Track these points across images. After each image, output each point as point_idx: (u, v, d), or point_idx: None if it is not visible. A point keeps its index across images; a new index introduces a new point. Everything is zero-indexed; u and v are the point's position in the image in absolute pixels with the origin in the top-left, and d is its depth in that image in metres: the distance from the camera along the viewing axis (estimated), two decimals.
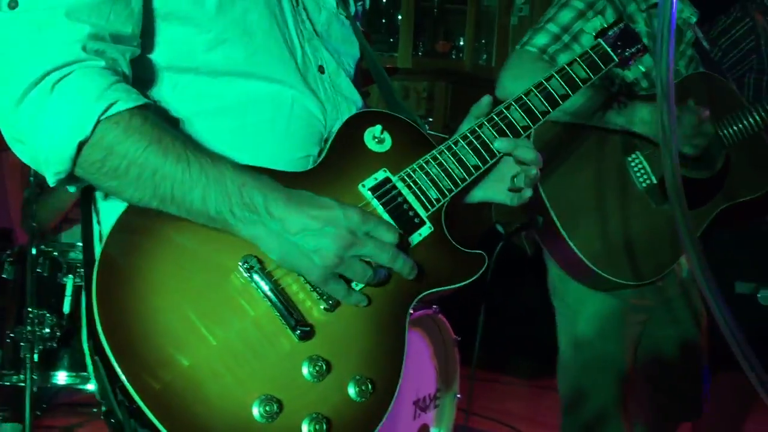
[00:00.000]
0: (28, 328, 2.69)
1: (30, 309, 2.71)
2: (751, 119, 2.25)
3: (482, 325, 1.97)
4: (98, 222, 1.22)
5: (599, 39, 1.53)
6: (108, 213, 1.17)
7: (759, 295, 2.26)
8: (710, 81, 2.33)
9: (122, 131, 1.03)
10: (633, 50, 1.55)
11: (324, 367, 1.09)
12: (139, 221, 1.09)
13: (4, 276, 2.95)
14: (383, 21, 5.14)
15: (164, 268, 1.07)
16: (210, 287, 1.08)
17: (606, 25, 1.55)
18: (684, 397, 2.40)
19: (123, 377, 0.99)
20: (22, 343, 2.69)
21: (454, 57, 5.10)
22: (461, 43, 5.05)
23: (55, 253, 2.92)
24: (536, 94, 1.42)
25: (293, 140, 1.25)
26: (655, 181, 2.14)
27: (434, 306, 2.63)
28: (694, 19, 2.33)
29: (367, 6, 1.61)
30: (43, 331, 2.75)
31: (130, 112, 1.04)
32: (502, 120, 1.38)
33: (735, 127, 2.26)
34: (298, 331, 1.09)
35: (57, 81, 1.02)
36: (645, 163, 2.15)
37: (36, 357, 2.70)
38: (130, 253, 1.07)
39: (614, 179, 2.14)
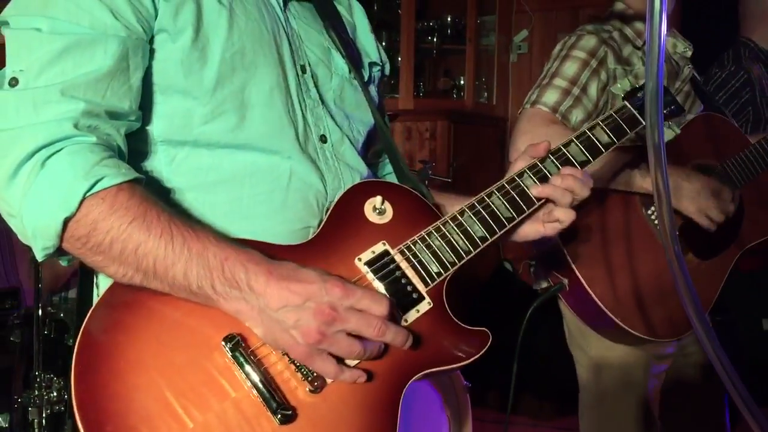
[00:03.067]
0: (36, 392, 2.68)
1: (37, 372, 2.70)
2: (759, 159, 2.23)
3: (515, 372, 1.93)
4: (96, 286, 1.22)
5: (626, 101, 1.47)
6: (106, 281, 1.16)
7: None
8: (713, 121, 2.29)
9: (107, 207, 1.04)
10: (665, 112, 1.47)
11: None
12: (124, 297, 1.09)
13: (11, 338, 2.95)
14: None
15: (144, 345, 1.06)
16: (190, 365, 1.06)
17: (637, 86, 1.48)
18: (707, 424, 2.34)
19: None
20: (30, 408, 2.68)
21: (455, 96, 5.13)
22: (461, 82, 5.08)
23: (61, 315, 2.91)
24: (553, 161, 1.37)
25: (291, 212, 1.24)
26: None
27: None
28: (689, 53, 2.31)
29: (387, 72, 1.57)
30: (51, 394, 2.72)
31: (118, 187, 1.05)
32: (514, 188, 1.33)
33: (743, 167, 2.24)
34: (279, 415, 1.05)
35: (47, 157, 1.04)
36: None
37: (44, 421, 2.68)
38: (112, 329, 1.06)
39: (636, 233, 2.09)
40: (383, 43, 5.08)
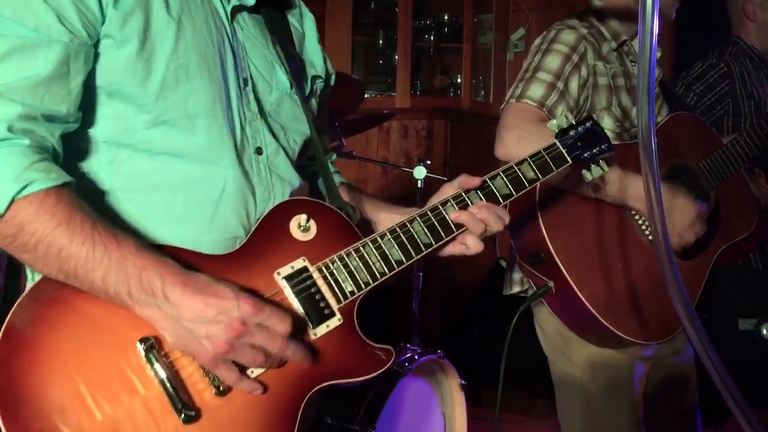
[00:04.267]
0: None
1: None
2: (732, 159, 2.25)
3: (503, 370, 1.93)
4: (31, 278, 1.27)
5: (557, 140, 1.52)
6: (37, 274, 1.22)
7: (763, 331, 2.24)
8: (683, 122, 2.28)
9: (34, 211, 1.09)
10: (594, 151, 1.53)
11: None
12: (50, 292, 1.14)
13: None
14: (380, 62, 5.18)
15: (64, 340, 1.12)
16: (106, 362, 1.13)
17: (572, 123, 1.52)
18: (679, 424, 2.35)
19: None
20: None
21: (451, 95, 5.14)
22: (458, 80, 5.09)
23: None
24: (477, 192, 1.44)
25: (220, 223, 1.30)
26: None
27: (439, 351, 2.61)
28: (659, 55, 2.30)
29: (332, 83, 1.64)
30: None
31: (45, 192, 1.10)
32: (435, 216, 1.40)
33: (718, 168, 2.25)
34: (183, 415, 1.13)
35: None
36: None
37: None
38: (36, 322, 1.12)
39: (622, 234, 2.07)
40: (380, 42, 5.11)
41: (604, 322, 1.96)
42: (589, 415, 2.19)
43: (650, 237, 2.08)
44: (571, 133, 1.52)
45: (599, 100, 2.13)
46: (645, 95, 0.95)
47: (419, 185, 3.18)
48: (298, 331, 1.21)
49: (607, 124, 2.11)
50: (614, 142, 1.71)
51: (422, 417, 2.61)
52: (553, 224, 1.99)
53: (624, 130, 2.14)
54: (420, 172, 3.05)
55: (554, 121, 1.53)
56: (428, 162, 3.15)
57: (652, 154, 0.95)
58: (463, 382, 2.70)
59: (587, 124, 1.53)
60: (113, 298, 1.13)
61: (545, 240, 1.98)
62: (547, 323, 2.21)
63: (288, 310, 1.23)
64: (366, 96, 3.43)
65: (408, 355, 2.50)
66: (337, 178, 1.67)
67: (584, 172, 1.58)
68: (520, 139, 1.96)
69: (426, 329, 3.96)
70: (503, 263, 4.89)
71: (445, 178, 3.70)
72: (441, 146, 4.72)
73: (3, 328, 1.10)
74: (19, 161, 1.09)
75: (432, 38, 5.12)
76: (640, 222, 2.09)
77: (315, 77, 1.55)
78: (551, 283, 1.99)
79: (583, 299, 1.96)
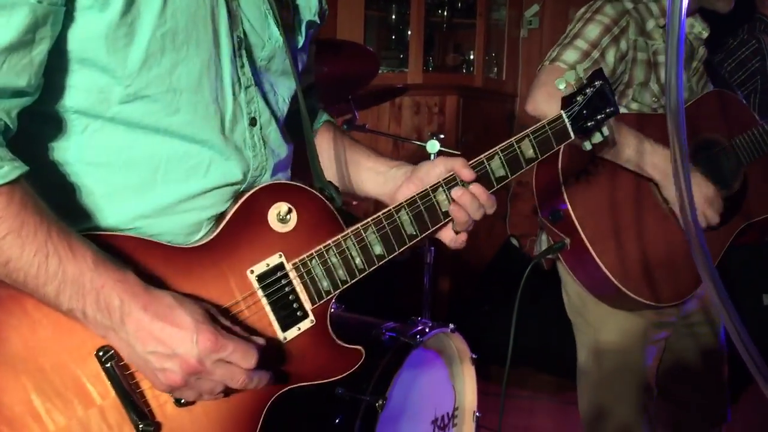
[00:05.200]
0: None
1: None
2: (767, 139, 2.25)
3: (511, 345, 1.95)
4: None
5: (563, 111, 1.44)
6: None
7: None
8: (724, 99, 2.31)
9: None
10: (600, 117, 1.45)
11: None
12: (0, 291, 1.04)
13: None
14: (393, 37, 5.14)
15: (15, 346, 1.04)
16: (61, 371, 1.06)
17: (583, 83, 1.46)
18: (705, 407, 2.37)
19: None
20: None
21: (464, 71, 5.10)
22: (471, 57, 5.05)
23: None
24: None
25: (201, 200, 1.20)
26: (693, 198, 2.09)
27: (450, 324, 2.61)
28: (705, 34, 2.31)
29: (325, 19, 1.49)
30: None
31: None
32: (425, 203, 1.32)
33: (751, 146, 2.25)
34: (141, 427, 1.08)
35: None
36: None
37: None
38: None
39: (641, 199, 2.11)
40: (393, 17, 5.06)
41: (613, 280, 2.02)
42: (596, 377, 2.23)
43: (669, 204, 2.10)
44: (579, 98, 1.44)
45: (637, 74, 2.17)
46: (674, 68, 0.93)
47: (432, 159, 3.15)
48: (266, 337, 1.15)
49: (645, 99, 2.15)
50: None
51: (433, 390, 2.61)
52: (573, 182, 2.03)
53: (660, 106, 2.16)
54: (433, 146, 3.03)
55: (563, 83, 1.48)
56: (441, 136, 3.13)
57: (679, 117, 0.93)
58: (474, 356, 2.70)
59: (596, 84, 1.45)
60: (66, 313, 1.03)
61: (563, 196, 2.03)
62: (570, 285, 2.28)
63: (259, 313, 1.19)
64: (378, 72, 3.40)
65: (419, 327, 2.50)
66: (323, 117, 1.59)
67: (584, 142, 1.53)
68: (549, 96, 2.03)
69: (436, 305, 3.96)
70: (514, 241, 4.89)
71: (458, 153, 3.67)
72: (453, 123, 4.69)
73: None
74: None
75: (445, 13, 5.07)
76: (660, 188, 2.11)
77: (310, 23, 1.40)
78: (567, 240, 2.05)
79: (594, 255, 2.01)
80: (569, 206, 2.04)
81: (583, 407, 2.31)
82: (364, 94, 3.48)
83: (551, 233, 2.16)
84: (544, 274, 2.51)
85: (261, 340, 1.13)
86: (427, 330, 2.49)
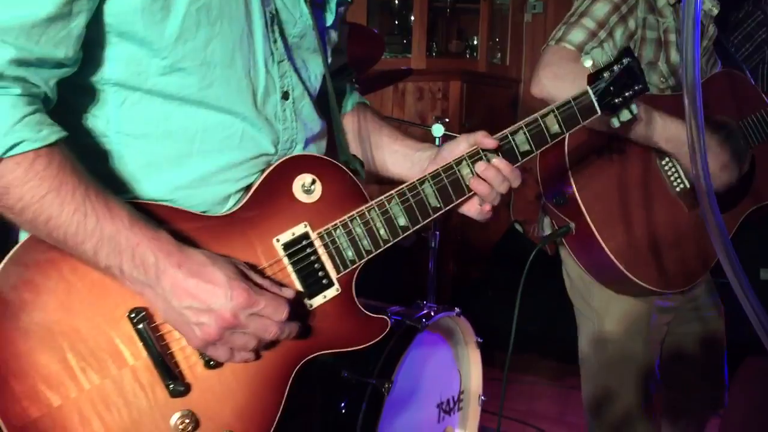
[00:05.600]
0: None
1: None
2: None
3: (515, 328, 1.94)
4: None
5: (589, 87, 1.43)
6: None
7: None
8: (734, 79, 2.27)
9: (22, 174, 1.01)
10: (628, 94, 1.45)
11: (192, 425, 1.13)
12: (36, 255, 1.08)
13: None
14: (396, 22, 5.12)
15: (51, 308, 1.08)
16: (95, 331, 1.09)
17: (611, 60, 1.44)
18: (704, 391, 2.36)
19: None
20: None
21: (468, 56, 5.07)
22: (475, 42, 5.02)
23: None
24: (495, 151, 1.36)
25: (236, 172, 1.23)
26: (688, 186, 2.07)
27: (456, 308, 2.61)
28: (716, 11, 2.27)
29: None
30: None
31: (35, 153, 1.01)
32: (448, 176, 1.33)
33: (760, 128, 2.23)
34: (171, 386, 1.12)
35: None
36: (678, 167, 2.09)
37: None
38: (21, 288, 1.07)
39: (648, 183, 2.08)
40: (396, 1, 5.03)
41: (620, 266, 1.98)
42: (603, 349, 2.22)
43: (678, 189, 2.08)
44: (605, 75, 1.44)
45: (647, 53, 2.12)
46: (690, 44, 0.92)
47: (437, 143, 3.15)
48: (294, 303, 1.17)
49: (652, 79, 2.12)
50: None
51: (438, 373, 2.62)
52: (579, 165, 2.00)
53: (668, 87, 2.12)
54: (438, 130, 3.02)
55: (590, 60, 1.47)
56: (446, 120, 3.12)
57: (695, 91, 0.92)
58: (479, 339, 2.70)
59: (624, 61, 1.44)
60: (104, 270, 1.07)
61: (569, 178, 1.99)
62: (573, 269, 2.24)
63: (285, 280, 1.20)
64: (383, 54, 3.39)
65: (425, 311, 2.50)
66: (354, 98, 1.60)
67: (612, 119, 1.53)
68: (555, 77, 1.97)
69: (441, 289, 3.96)
70: (518, 227, 4.88)
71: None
72: (456, 108, 4.68)
73: None
74: (8, 114, 0.99)
75: None
76: (669, 173, 2.08)
77: (340, 1, 1.41)
78: (572, 224, 2.01)
79: (600, 240, 1.98)
80: (575, 189, 2.01)
81: (586, 392, 2.30)
82: (367, 79, 3.47)
83: (555, 217, 2.13)
84: (549, 259, 2.51)
85: (290, 293, 1.16)
86: (432, 313, 2.49)
